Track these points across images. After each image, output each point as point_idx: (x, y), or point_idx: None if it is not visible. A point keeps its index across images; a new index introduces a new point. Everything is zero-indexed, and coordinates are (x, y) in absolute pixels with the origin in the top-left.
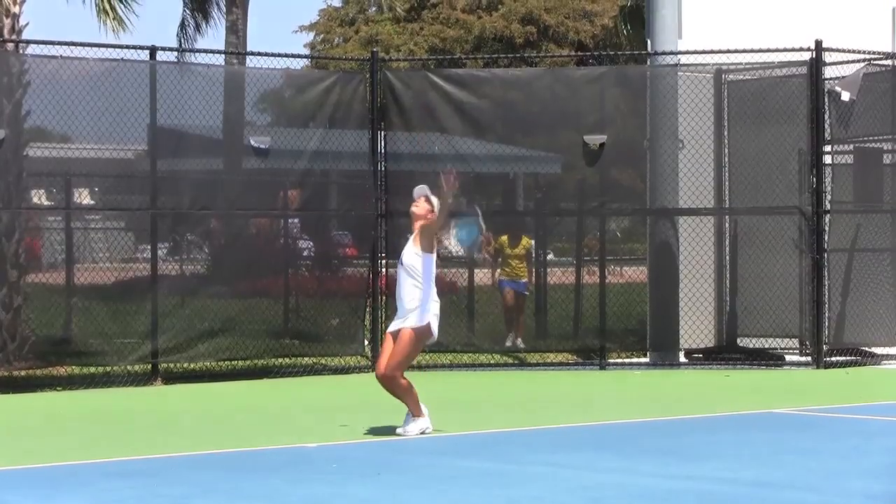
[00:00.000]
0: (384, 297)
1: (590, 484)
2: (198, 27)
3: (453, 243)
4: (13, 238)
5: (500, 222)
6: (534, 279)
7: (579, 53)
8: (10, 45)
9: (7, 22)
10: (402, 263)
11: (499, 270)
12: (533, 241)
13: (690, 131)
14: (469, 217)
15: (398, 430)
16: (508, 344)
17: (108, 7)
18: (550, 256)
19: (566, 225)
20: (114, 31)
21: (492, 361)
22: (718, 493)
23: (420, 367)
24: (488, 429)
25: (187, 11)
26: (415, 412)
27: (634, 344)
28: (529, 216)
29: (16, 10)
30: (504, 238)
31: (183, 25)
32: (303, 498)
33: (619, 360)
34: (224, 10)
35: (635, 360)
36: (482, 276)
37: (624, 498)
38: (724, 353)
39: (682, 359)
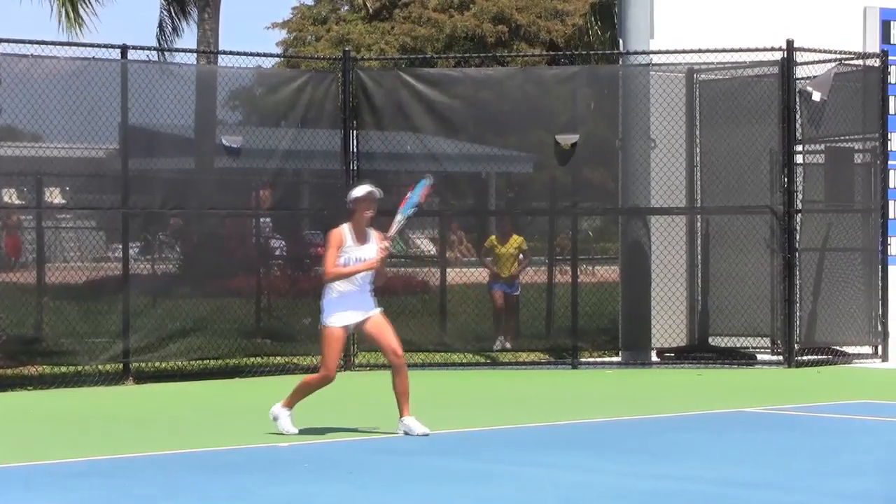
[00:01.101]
0: None
1: (562, 483)
2: (175, 28)
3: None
4: None
5: (473, 222)
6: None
7: (551, 53)
8: None
9: None
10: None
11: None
12: (523, 239)
13: (662, 131)
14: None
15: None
16: (497, 347)
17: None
18: (521, 256)
19: (538, 224)
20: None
21: (464, 361)
22: (690, 493)
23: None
24: (461, 428)
25: (164, 12)
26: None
27: (606, 343)
28: (501, 216)
29: None
30: (493, 237)
31: (161, 26)
32: (274, 498)
33: (592, 360)
34: (197, 6)
35: (607, 359)
36: (454, 275)
37: (595, 497)
38: (695, 352)
39: (655, 358)
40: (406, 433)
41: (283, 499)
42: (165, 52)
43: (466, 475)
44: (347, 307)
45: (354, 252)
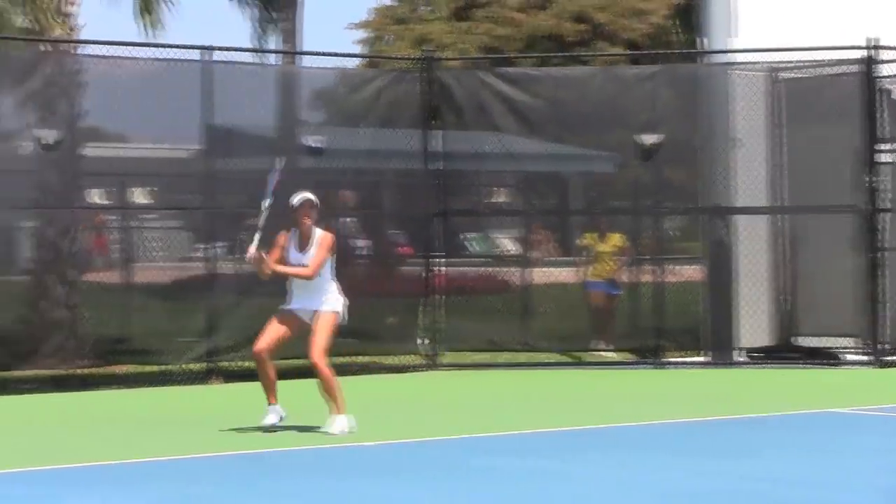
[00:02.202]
0: (440, 296)
1: (645, 483)
2: (263, 29)
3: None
4: (71, 237)
5: (554, 222)
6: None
7: (632, 52)
8: (66, 46)
9: (63, 23)
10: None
11: (588, 270)
12: (622, 236)
13: (744, 129)
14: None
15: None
16: (593, 346)
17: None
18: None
19: (619, 224)
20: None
21: (548, 360)
22: (774, 494)
23: (477, 367)
24: (544, 428)
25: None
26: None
27: (690, 343)
28: (583, 215)
29: (71, 10)
30: (592, 235)
31: (261, 23)
32: (358, 497)
33: (676, 360)
34: (279, 8)
35: (692, 359)
36: (538, 274)
37: (679, 497)
38: (780, 351)
39: (738, 357)
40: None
41: (371, 499)
42: (248, 53)
43: (548, 475)
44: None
45: (292, 256)
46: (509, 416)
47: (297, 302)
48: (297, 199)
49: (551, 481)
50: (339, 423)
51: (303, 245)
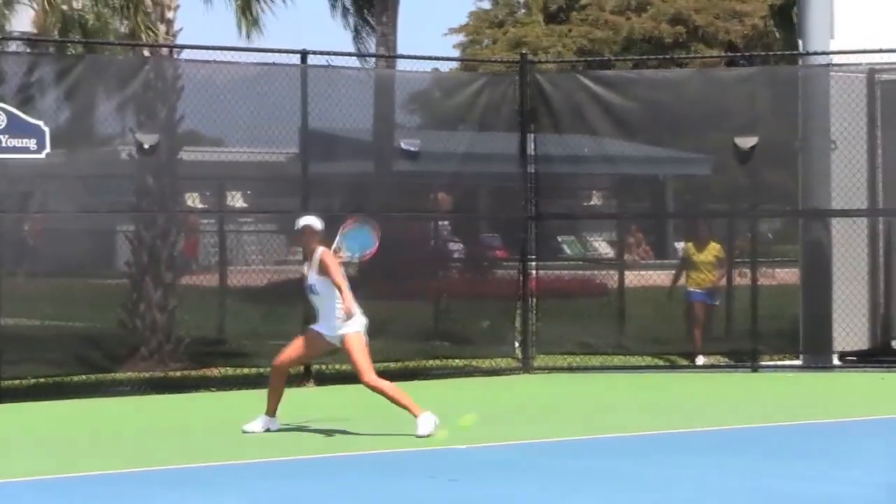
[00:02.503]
0: (534, 299)
1: (736, 488)
2: (358, 32)
3: (345, 255)
4: (168, 240)
5: (649, 224)
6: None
7: (729, 54)
8: (165, 51)
9: (161, 28)
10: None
11: (686, 278)
12: (721, 246)
13: (842, 131)
14: (359, 228)
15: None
16: (700, 362)
17: (244, 9)
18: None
19: (716, 227)
20: (247, 35)
21: (642, 364)
22: (867, 499)
23: (571, 370)
24: (637, 431)
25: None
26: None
27: (787, 346)
28: (679, 218)
29: (170, 15)
30: (690, 244)
31: (357, 30)
32: (453, 499)
33: (772, 363)
34: (375, 13)
35: (788, 362)
36: (632, 277)
37: (769, 502)
38: (878, 355)
39: (836, 361)
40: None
41: (465, 500)
42: (344, 57)
43: (643, 479)
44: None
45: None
46: (602, 420)
47: (324, 326)
48: (300, 223)
49: (641, 485)
50: (422, 425)
51: (311, 264)
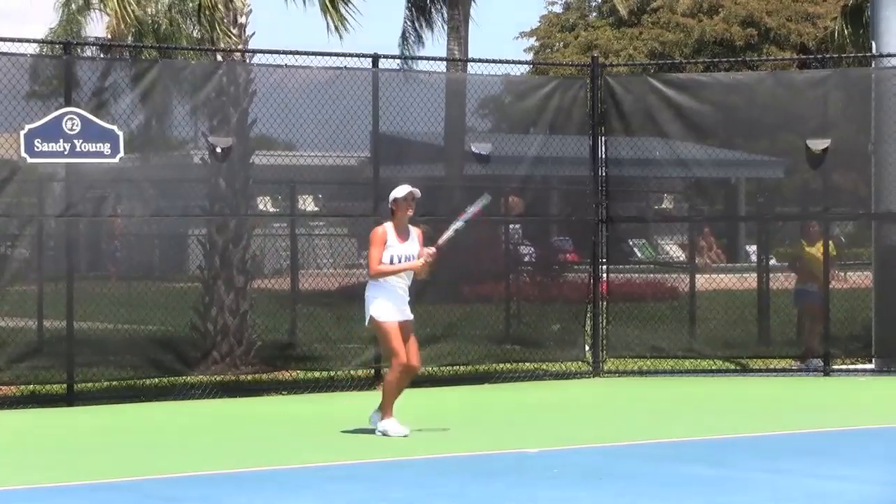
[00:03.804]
0: (605, 303)
1: (809, 491)
2: (419, 37)
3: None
4: (241, 244)
5: (721, 227)
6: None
7: (801, 56)
8: (238, 55)
9: (234, 32)
10: (409, 258)
11: (796, 278)
12: (831, 243)
13: None
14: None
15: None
16: (813, 366)
17: (329, 5)
18: (773, 262)
19: (789, 230)
20: (336, 29)
21: (713, 367)
22: None
23: (641, 373)
24: (710, 435)
25: (408, 23)
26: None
27: (859, 350)
28: (751, 221)
29: (242, 20)
30: (803, 241)
31: (404, 36)
32: (526, 502)
33: (844, 367)
34: (445, 17)
35: (860, 366)
36: (703, 281)
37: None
38: None
39: None
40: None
41: (532, 503)
42: (415, 61)
43: (716, 482)
44: (395, 301)
45: (398, 249)
46: (672, 423)
47: (396, 302)
48: (402, 191)
49: (720, 488)
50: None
51: (402, 236)
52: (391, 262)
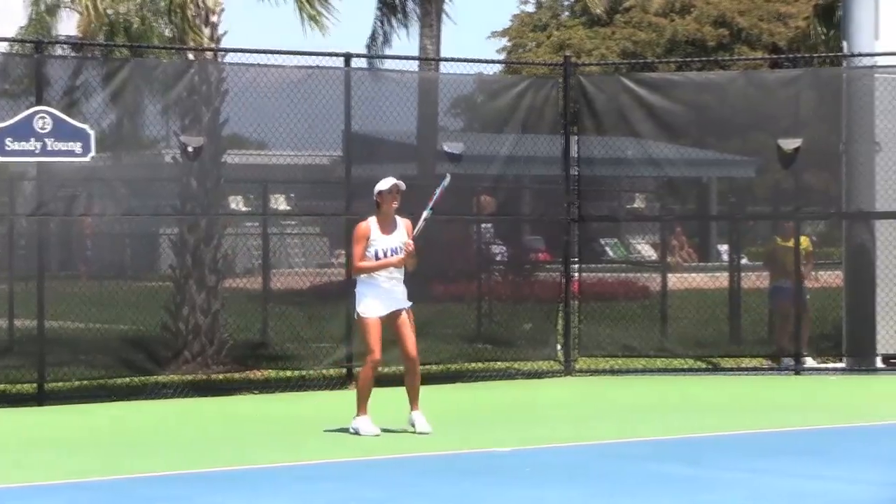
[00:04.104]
0: (577, 302)
1: (783, 490)
2: (386, 37)
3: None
4: (212, 244)
5: (693, 227)
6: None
7: (773, 56)
8: (209, 54)
9: (206, 31)
10: (395, 250)
11: (770, 276)
12: (807, 238)
13: (887, 134)
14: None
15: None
16: (808, 364)
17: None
18: (744, 261)
19: (760, 229)
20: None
21: (684, 366)
22: None
23: (613, 372)
24: (684, 434)
25: (378, 23)
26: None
27: (830, 349)
28: (723, 220)
29: (214, 19)
30: (777, 238)
31: (374, 36)
32: (498, 502)
33: (815, 366)
34: (419, 15)
35: (831, 364)
36: (675, 280)
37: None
38: None
39: (879, 364)
40: (411, 425)
41: (503, 503)
42: (386, 60)
43: (691, 481)
44: (381, 297)
45: (382, 243)
46: (645, 422)
47: (382, 298)
48: (386, 184)
49: (694, 487)
50: (423, 419)
51: (387, 229)
52: (375, 257)
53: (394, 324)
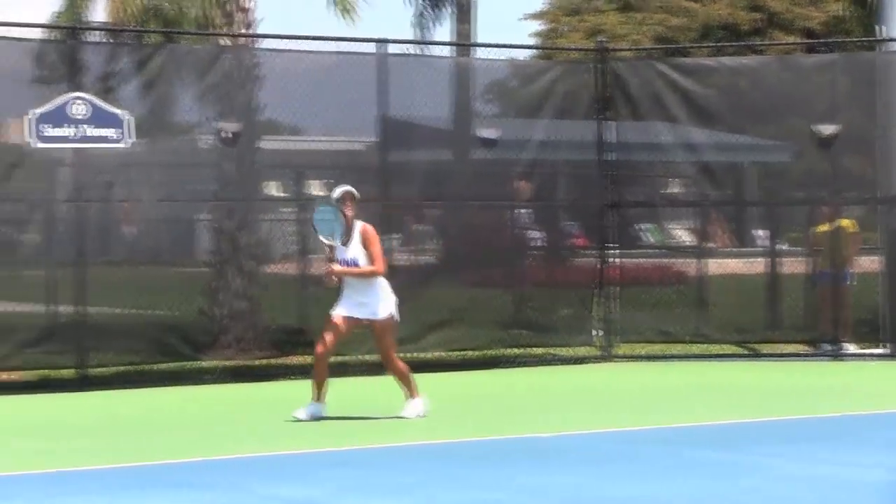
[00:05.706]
0: (615, 287)
1: (819, 476)
2: (437, 17)
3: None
4: (249, 229)
5: (729, 212)
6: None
7: (808, 41)
8: (243, 40)
9: (241, 17)
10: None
11: (817, 261)
12: (851, 221)
13: None
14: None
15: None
16: (842, 350)
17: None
18: (783, 246)
19: (796, 215)
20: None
21: (723, 352)
22: None
23: (650, 358)
24: (720, 419)
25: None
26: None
27: (869, 334)
28: (760, 206)
29: (248, 4)
30: (820, 224)
31: (421, 15)
32: (534, 487)
33: (854, 351)
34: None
35: (870, 350)
36: (714, 265)
37: (852, 490)
38: None
39: None
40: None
41: (543, 488)
42: (422, 46)
43: (727, 466)
44: (346, 300)
45: (339, 253)
46: (686, 408)
47: (352, 306)
48: (338, 191)
49: (733, 472)
50: (413, 407)
51: (347, 239)
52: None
53: (346, 328)
